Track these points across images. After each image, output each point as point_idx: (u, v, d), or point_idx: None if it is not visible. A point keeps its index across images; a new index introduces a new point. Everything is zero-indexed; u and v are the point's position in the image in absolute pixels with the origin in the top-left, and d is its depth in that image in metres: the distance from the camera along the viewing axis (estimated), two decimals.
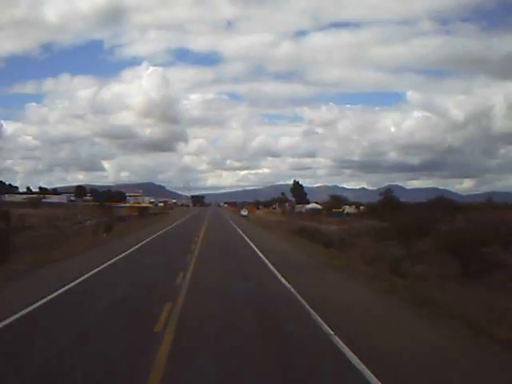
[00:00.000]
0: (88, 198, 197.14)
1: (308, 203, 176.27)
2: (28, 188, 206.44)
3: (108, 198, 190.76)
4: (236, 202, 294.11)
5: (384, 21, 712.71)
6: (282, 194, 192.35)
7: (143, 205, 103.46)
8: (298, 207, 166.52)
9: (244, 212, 79.13)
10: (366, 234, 49.35)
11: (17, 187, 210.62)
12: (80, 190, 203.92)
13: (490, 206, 76.05)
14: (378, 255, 27.25)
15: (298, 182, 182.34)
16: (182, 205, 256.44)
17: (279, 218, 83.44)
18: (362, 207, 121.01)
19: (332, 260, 24.79)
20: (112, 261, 23.09)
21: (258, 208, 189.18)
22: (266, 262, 23.48)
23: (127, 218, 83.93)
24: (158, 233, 45.23)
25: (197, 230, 47.63)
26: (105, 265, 21.53)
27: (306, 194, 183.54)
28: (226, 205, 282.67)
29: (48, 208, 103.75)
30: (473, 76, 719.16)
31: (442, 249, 25.84)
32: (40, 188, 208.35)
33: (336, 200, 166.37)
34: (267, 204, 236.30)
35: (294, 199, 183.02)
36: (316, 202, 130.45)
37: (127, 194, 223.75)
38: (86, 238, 37.09)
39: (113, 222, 58.43)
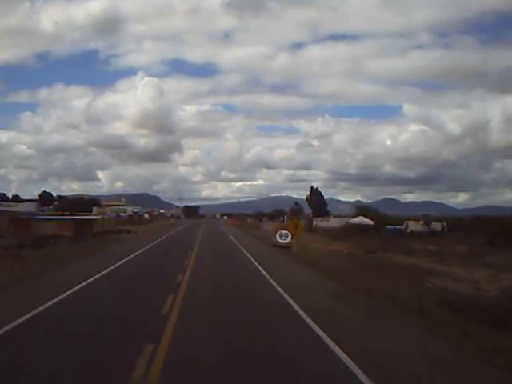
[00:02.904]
0: (53, 206, 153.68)
1: (328, 215, 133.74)
2: None
3: (76, 206, 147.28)
4: (232, 213, 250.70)
5: (382, 33, 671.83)
6: (296, 203, 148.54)
7: (88, 217, 59.22)
8: (319, 221, 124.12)
9: (283, 238, 31.44)
10: None
11: None
12: (44, 198, 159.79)
13: None
14: None
15: (316, 189, 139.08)
16: (172, 216, 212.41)
17: (343, 249, 40.31)
18: (437, 223, 77.92)
19: None
20: None
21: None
22: None
23: (51, 240, 42.86)
24: None
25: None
26: None
27: (326, 205, 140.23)
28: (225, 217, 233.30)
29: None
30: (470, 89, 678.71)
31: None
32: None
33: (364, 211, 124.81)
34: (272, 216, 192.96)
35: (310, 211, 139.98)
36: (362, 215, 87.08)
37: (106, 204, 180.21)
38: None
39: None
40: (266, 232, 74.53)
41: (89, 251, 31.42)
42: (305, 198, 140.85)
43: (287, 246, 31.13)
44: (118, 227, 65.39)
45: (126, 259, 26.66)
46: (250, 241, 45.37)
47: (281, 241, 31.06)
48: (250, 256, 28.75)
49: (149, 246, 36.93)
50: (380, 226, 77.33)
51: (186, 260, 26.06)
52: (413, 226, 79.66)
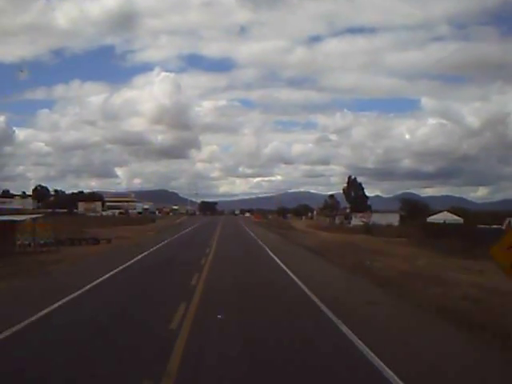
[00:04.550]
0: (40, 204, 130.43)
1: (369, 210, 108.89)
2: None
3: (74, 203, 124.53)
4: (251, 209, 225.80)
5: (400, 26, 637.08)
6: (331, 196, 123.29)
7: (11, 219, 33.91)
8: (360, 217, 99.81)
9: None
10: None
11: None
12: (39, 193, 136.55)
13: None
14: None
15: (354, 179, 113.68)
16: (187, 212, 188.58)
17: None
18: None
19: None
20: None
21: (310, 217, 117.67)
22: None
23: None
24: None
25: None
26: None
27: (367, 198, 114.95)
28: (247, 214, 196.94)
29: None
30: (490, 82, 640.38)
31: None
32: None
33: (409, 205, 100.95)
34: (298, 212, 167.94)
35: (348, 205, 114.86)
36: (449, 211, 61.89)
37: (109, 199, 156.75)
38: None
39: None
40: (315, 237, 49.15)
41: None
42: (322, 192, 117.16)
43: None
44: (87, 231, 41.40)
45: None
46: (331, 276, 19.76)
47: None
48: None
49: (55, 306, 12.36)
50: (471, 225, 52.40)
51: None
52: None
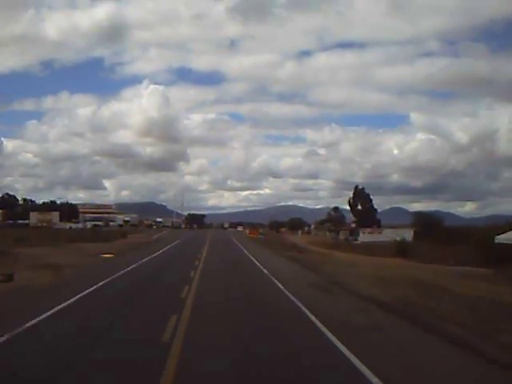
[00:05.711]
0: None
1: (377, 225, 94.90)
2: None
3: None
4: (241, 222, 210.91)
5: (389, 41, 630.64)
6: (335, 208, 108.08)
7: None
8: (368, 233, 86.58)
9: None
10: None
11: None
12: (5, 201, 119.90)
13: None
14: None
15: (362, 189, 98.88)
16: (172, 225, 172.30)
17: None
18: None
19: None
20: None
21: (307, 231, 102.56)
22: None
23: None
24: None
25: None
26: None
27: (375, 211, 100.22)
28: (240, 228, 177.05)
29: None
30: (479, 98, 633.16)
31: None
32: None
33: (424, 219, 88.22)
34: (294, 226, 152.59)
35: (354, 219, 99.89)
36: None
37: (84, 210, 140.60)
38: None
39: None
40: (349, 266, 33.90)
41: None
42: (310, 206, 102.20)
43: None
44: None
45: None
46: None
47: None
48: None
49: None
50: None
51: None
52: None
